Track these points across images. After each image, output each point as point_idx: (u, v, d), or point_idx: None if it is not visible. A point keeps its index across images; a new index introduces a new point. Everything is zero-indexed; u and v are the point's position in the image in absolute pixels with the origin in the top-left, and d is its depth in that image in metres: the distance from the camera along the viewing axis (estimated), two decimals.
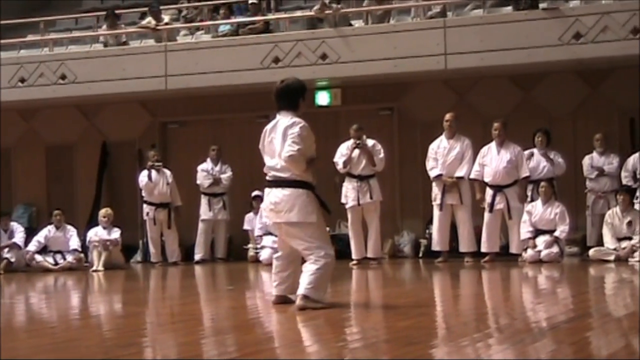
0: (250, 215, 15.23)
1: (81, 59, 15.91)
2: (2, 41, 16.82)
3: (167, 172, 15.08)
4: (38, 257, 14.41)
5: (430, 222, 13.68)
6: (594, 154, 13.78)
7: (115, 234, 14.64)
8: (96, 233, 14.58)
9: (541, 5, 13.69)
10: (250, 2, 15.94)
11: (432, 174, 13.14)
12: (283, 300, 7.61)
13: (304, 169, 7.37)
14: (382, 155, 13.10)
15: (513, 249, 12.96)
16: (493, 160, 12.87)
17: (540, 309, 7.59)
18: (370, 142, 13.14)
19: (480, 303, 8.52)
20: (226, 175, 15.36)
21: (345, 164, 13.04)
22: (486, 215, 12.89)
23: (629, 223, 12.66)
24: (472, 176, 12.98)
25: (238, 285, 11.30)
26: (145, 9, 16.98)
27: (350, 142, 13.13)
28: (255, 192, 14.55)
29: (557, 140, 13.68)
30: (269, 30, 15.53)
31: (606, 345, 5.54)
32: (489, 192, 12.89)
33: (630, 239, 12.58)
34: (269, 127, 7.57)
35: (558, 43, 13.47)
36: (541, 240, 12.71)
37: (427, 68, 14.14)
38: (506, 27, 13.77)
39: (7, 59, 16.26)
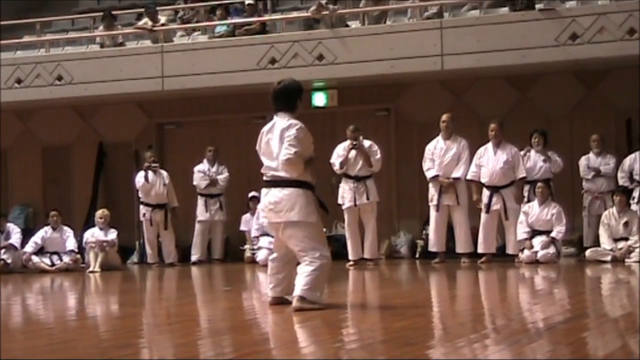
0: (247, 216, 15.22)
1: (78, 60, 15.90)
2: None
3: (164, 173, 15.07)
4: (35, 258, 14.40)
5: (427, 222, 13.67)
6: (591, 155, 13.79)
7: (112, 235, 14.63)
8: (93, 234, 14.56)
9: (537, 6, 13.71)
10: (246, 3, 15.95)
11: (429, 174, 13.14)
12: (280, 302, 7.61)
13: (302, 171, 7.37)
14: (378, 156, 13.10)
15: (510, 250, 12.96)
16: (489, 161, 12.88)
17: (537, 309, 7.60)
18: (366, 143, 13.14)
19: (477, 304, 8.53)
20: (223, 176, 15.36)
21: (341, 164, 13.04)
22: (483, 216, 12.89)
23: (626, 224, 12.67)
24: (468, 177, 12.98)
25: (235, 286, 11.31)
26: (142, 10, 16.99)
27: (346, 143, 13.13)
28: (252, 193, 14.54)
29: (553, 140, 13.69)
30: (266, 31, 15.53)
31: (603, 345, 5.54)
32: (485, 192, 12.89)
33: (626, 239, 12.59)
34: (266, 128, 7.57)
35: (554, 44, 13.47)
36: (538, 241, 12.72)
37: (423, 69, 14.15)
38: (503, 28, 13.78)
39: (4, 60, 16.24)
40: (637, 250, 12.36)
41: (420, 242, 14.69)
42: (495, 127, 12.94)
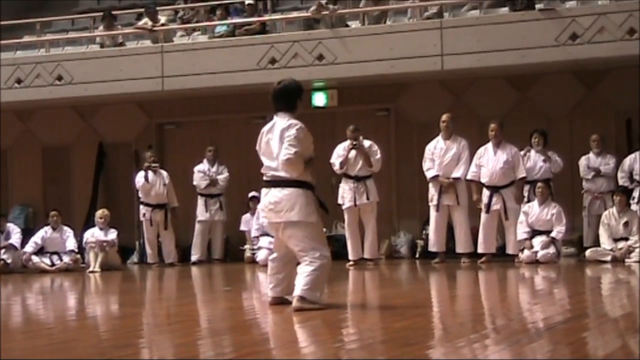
0: (247, 216, 15.22)
1: (77, 60, 15.90)
2: None
3: (164, 173, 15.07)
4: (35, 258, 14.40)
5: (427, 222, 13.67)
6: (591, 155, 13.79)
7: (112, 235, 14.63)
8: (93, 234, 14.56)
9: (537, 6, 13.71)
10: (246, 3, 15.95)
11: (429, 174, 13.13)
12: (280, 302, 7.61)
13: (302, 171, 7.37)
14: (378, 156, 13.10)
15: (510, 250, 12.96)
16: (489, 161, 12.88)
17: (536, 309, 7.59)
18: (366, 143, 13.14)
19: (477, 304, 8.53)
20: (223, 176, 15.36)
21: (341, 164, 13.04)
22: (483, 216, 12.89)
23: (626, 224, 12.67)
24: (468, 177, 12.98)
25: (235, 286, 11.31)
26: (142, 10, 16.99)
27: (346, 143, 13.13)
28: (252, 193, 14.54)
29: (553, 140, 13.69)
30: (266, 31, 15.53)
31: (603, 345, 5.54)
32: (485, 192, 12.89)
33: (626, 239, 12.59)
34: (266, 128, 7.57)
35: (554, 44, 13.47)
36: (538, 241, 12.72)
37: (423, 69, 14.14)
38: (503, 28, 13.78)
39: (4, 60, 16.24)
40: (637, 250, 12.37)
41: (420, 242, 14.69)
42: (495, 127, 12.94)
